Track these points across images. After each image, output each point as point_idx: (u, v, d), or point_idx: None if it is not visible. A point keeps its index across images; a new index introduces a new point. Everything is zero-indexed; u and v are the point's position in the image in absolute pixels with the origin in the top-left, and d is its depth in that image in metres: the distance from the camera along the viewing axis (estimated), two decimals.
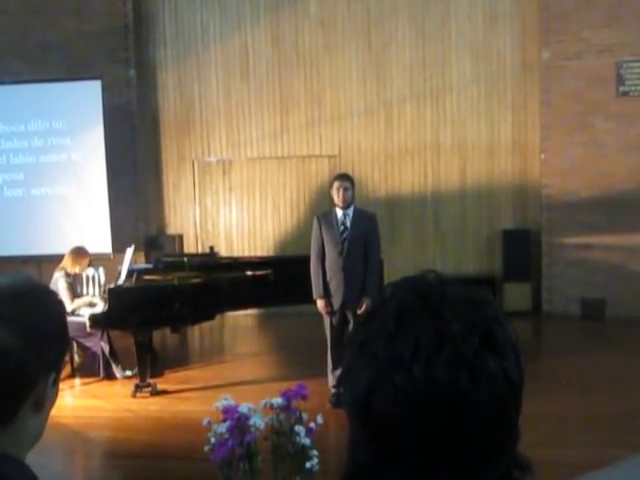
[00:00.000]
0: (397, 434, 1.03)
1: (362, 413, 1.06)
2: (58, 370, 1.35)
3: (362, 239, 7.32)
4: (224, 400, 5.04)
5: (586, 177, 11.22)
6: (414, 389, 1.01)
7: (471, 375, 1.01)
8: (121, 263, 8.78)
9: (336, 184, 7.42)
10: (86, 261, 9.16)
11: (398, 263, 11.37)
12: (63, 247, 9.46)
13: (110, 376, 8.71)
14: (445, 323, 1.04)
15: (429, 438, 1.01)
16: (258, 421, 4.89)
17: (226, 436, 4.87)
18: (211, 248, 10.59)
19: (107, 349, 8.69)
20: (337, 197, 7.36)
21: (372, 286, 7.23)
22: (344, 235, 7.33)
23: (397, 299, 1.10)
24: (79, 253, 9.15)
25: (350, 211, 7.40)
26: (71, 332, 8.26)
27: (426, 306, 1.07)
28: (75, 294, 9.02)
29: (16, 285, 1.31)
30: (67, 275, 8.93)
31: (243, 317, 11.66)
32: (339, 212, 7.39)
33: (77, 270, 9.13)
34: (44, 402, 1.32)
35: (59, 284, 8.74)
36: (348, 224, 7.35)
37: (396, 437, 1.03)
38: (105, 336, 8.66)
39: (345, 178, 7.57)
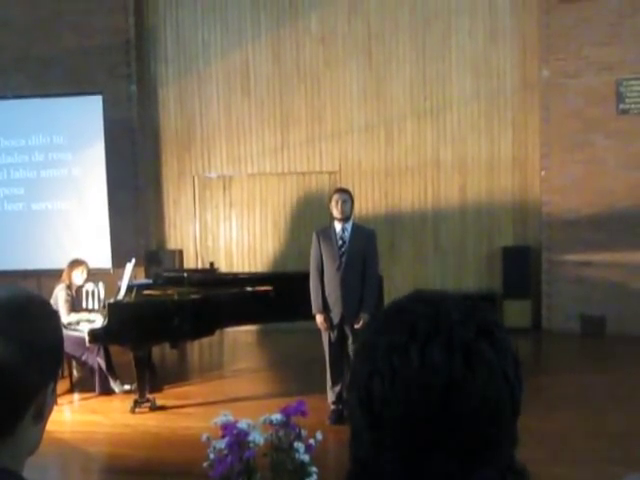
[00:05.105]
0: (394, 418, 1.05)
1: (362, 400, 1.09)
2: (56, 379, 1.36)
3: (360, 254, 7.33)
4: (223, 416, 5.03)
5: (586, 194, 11.24)
6: (410, 371, 1.04)
7: (466, 359, 1.04)
8: (121, 278, 8.77)
9: (335, 196, 7.48)
10: (80, 269, 9.09)
11: (398, 280, 11.38)
12: (63, 262, 9.44)
13: (107, 391, 8.68)
14: (443, 311, 1.09)
15: (424, 423, 1.04)
16: (257, 437, 4.88)
17: (225, 452, 4.87)
18: (211, 264, 10.60)
19: (104, 364, 8.67)
20: (336, 209, 7.40)
21: (370, 301, 7.25)
22: (342, 249, 7.35)
23: (396, 302, 1.15)
24: (73, 262, 9.17)
25: (349, 225, 7.42)
26: (66, 347, 8.26)
27: (426, 302, 1.12)
28: (74, 309, 9.00)
29: (13, 298, 1.31)
30: (68, 288, 8.95)
31: (243, 333, 11.65)
32: (338, 226, 7.41)
33: (75, 280, 9.09)
34: (43, 413, 1.32)
35: (59, 296, 8.80)
36: (346, 239, 7.37)
37: (393, 421, 1.05)
38: (101, 351, 8.65)
39: (344, 191, 7.67)
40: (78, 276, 9.13)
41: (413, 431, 1.04)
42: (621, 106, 11.05)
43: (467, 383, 1.03)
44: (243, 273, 11.53)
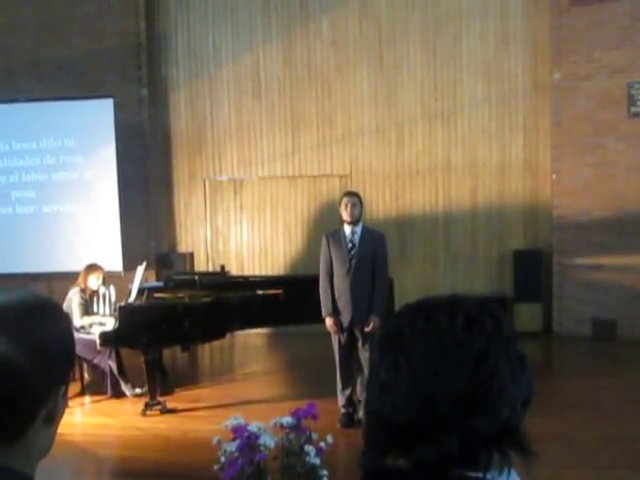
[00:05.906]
0: (401, 385, 1.16)
1: (374, 374, 1.21)
2: (67, 382, 1.36)
3: (370, 257, 7.32)
4: (234, 419, 5.03)
5: (597, 198, 11.20)
6: (416, 337, 1.16)
7: (467, 324, 1.15)
8: (132, 281, 8.79)
9: (344, 200, 7.48)
10: (97, 274, 9.16)
11: (409, 283, 11.36)
12: (74, 264, 9.48)
13: (118, 394, 8.69)
14: (450, 297, 1.22)
15: (428, 379, 1.14)
16: (268, 440, 4.88)
17: (236, 455, 4.86)
18: (222, 267, 10.60)
19: (115, 367, 8.68)
20: (345, 212, 7.40)
21: (380, 304, 7.24)
22: (352, 253, 7.34)
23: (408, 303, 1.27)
24: (90, 267, 9.23)
25: (358, 229, 7.41)
26: (78, 350, 8.28)
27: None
28: (87, 312, 9.03)
29: (24, 301, 1.31)
30: (82, 291, 8.99)
31: (253, 336, 11.64)
32: (347, 229, 7.40)
33: (90, 285, 9.13)
34: (55, 416, 1.32)
35: (73, 299, 8.87)
36: (356, 242, 7.36)
37: (399, 386, 1.16)
38: (113, 354, 8.66)
39: (353, 194, 7.66)
40: (94, 281, 9.16)
41: (417, 389, 1.14)
42: (632, 109, 11.01)
43: (467, 343, 1.14)
44: (254, 276, 11.53)
